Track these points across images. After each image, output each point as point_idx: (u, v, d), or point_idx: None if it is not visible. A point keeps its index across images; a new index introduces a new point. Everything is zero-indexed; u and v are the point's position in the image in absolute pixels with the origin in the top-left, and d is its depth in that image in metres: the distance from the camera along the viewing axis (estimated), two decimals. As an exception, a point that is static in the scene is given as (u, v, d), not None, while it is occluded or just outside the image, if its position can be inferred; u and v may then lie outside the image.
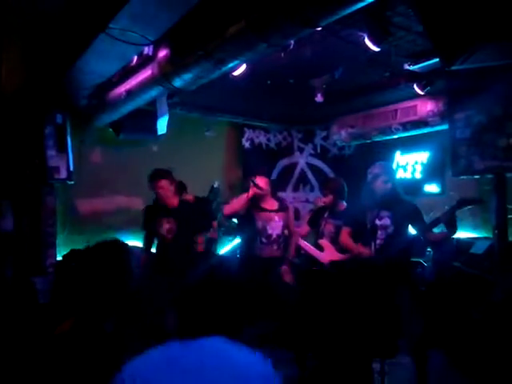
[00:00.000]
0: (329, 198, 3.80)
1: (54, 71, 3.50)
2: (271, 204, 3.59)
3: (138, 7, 2.29)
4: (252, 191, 3.48)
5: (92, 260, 1.35)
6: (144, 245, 3.70)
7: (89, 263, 1.35)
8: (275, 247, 3.52)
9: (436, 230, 3.07)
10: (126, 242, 1.48)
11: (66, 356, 1.23)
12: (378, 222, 3.12)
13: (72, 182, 4.20)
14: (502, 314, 3.00)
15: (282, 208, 3.61)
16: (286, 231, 3.63)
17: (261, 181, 3.53)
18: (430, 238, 3.08)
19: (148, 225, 3.54)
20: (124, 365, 1.08)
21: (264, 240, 3.49)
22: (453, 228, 2.96)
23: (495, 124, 3.52)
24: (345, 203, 3.87)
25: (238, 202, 3.56)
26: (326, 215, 3.82)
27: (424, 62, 3.40)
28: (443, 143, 4.72)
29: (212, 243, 4.59)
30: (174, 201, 3.47)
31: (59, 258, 4.09)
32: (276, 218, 3.53)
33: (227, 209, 3.61)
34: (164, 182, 3.38)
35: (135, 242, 4.82)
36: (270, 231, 3.50)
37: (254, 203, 3.54)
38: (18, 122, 3.84)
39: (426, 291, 4.02)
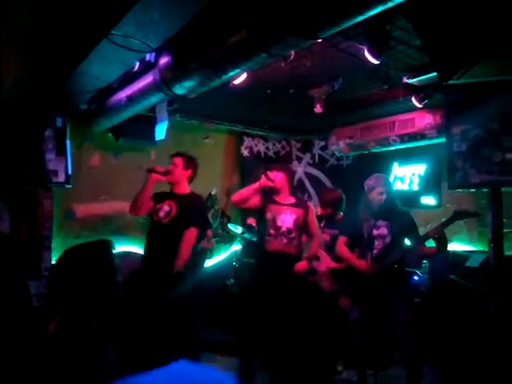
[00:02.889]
0: (328, 211, 3.83)
1: (56, 75, 3.52)
2: (286, 199, 3.29)
3: (141, 15, 2.32)
4: (262, 182, 3.23)
5: (79, 258, 1.37)
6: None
7: (76, 261, 1.36)
8: (285, 241, 3.16)
9: (429, 244, 3.10)
10: (113, 243, 1.48)
11: (53, 354, 1.23)
12: (375, 231, 3.14)
13: (70, 186, 4.19)
14: (497, 328, 3.01)
15: (299, 204, 3.29)
16: (299, 229, 3.25)
17: (275, 174, 3.27)
18: (422, 251, 3.11)
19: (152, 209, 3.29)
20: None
21: (272, 231, 3.16)
22: (441, 245, 3.00)
23: (492, 138, 3.55)
24: (342, 213, 3.89)
25: (247, 189, 3.29)
26: (322, 224, 3.83)
27: (422, 75, 3.44)
28: (440, 156, 4.76)
29: (204, 254, 4.57)
30: (184, 188, 3.30)
31: (54, 261, 4.08)
32: (288, 211, 3.20)
33: (236, 195, 3.34)
34: (179, 160, 3.26)
35: (131, 247, 4.82)
36: (279, 223, 3.17)
37: (268, 197, 3.29)
38: (18, 124, 3.86)
39: (421, 303, 4.02)
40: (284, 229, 3.17)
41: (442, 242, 3.00)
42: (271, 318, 3.18)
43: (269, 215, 3.21)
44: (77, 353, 1.25)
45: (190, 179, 3.35)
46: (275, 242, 3.17)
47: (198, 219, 3.28)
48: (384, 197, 3.11)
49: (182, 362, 1.08)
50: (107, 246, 1.43)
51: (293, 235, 3.19)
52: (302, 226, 3.25)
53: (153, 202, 3.28)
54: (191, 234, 3.17)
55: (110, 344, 1.34)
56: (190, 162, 3.35)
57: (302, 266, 3.20)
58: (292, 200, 3.31)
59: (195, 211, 3.27)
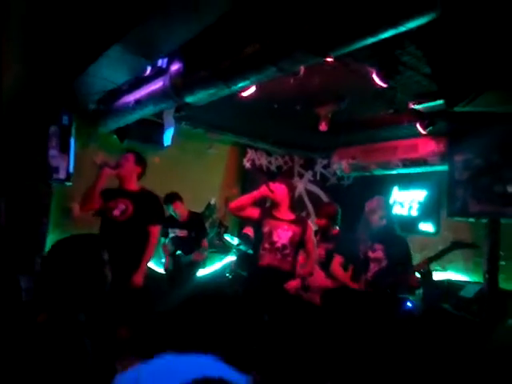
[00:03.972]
0: (323, 222, 3.79)
1: (65, 73, 3.56)
2: (285, 214, 3.24)
3: (154, 22, 2.36)
4: (262, 190, 3.22)
5: (71, 249, 1.37)
6: None
7: (68, 252, 1.36)
8: (278, 256, 3.12)
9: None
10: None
11: (40, 346, 1.22)
12: (371, 254, 3.14)
13: (70, 184, 4.19)
14: (493, 363, 2.97)
15: (297, 221, 3.25)
16: (294, 246, 3.20)
17: (277, 186, 3.24)
18: (409, 281, 3.10)
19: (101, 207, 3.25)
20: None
21: (267, 245, 3.13)
22: (425, 279, 3.01)
23: (493, 169, 3.58)
24: (337, 228, 3.86)
25: (247, 197, 3.27)
26: (317, 238, 3.80)
27: (429, 102, 3.48)
28: (441, 183, 4.78)
29: (195, 266, 4.56)
30: (133, 184, 3.30)
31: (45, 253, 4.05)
32: (285, 226, 3.17)
33: (234, 202, 3.33)
34: (130, 156, 3.30)
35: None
36: (275, 238, 3.14)
37: (267, 210, 3.28)
38: (23, 119, 3.88)
39: (412, 329, 3.98)
40: (279, 244, 3.13)
41: (427, 275, 3.01)
42: (258, 332, 3.15)
43: (266, 229, 3.18)
44: (58, 344, 1.24)
45: (139, 176, 3.35)
46: (268, 256, 3.13)
47: (160, 216, 3.37)
48: (384, 221, 3.12)
49: (209, 357, 1.10)
50: (98, 239, 1.44)
51: (287, 251, 3.14)
52: (298, 243, 3.21)
53: (102, 199, 3.24)
54: (155, 230, 3.26)
55: (89, 337, 1.33)
56: (141, 160, 3.36)
57: (293, 284, 3.13)
58: (291, 216, 3.26)
59: (156, 208, 3.31)
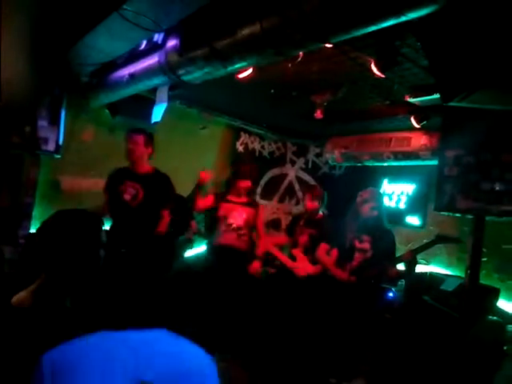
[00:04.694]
0: (315, 204, 3.80)
1: (61, 41, 3.47)
2: (239, 198, 3.56)
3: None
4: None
5: (70, 223, 1.31)
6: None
7: (66, 226, 1.30)
8: (234, 236, 3.43)
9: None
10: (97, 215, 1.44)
11: (22, 328, 1.19)
12: (357, 243, 3.17)
13: (59, 156, 4.13)
14: (465, 356, 3.05)
15: (250, 204, 3.57)
16: (249, 227, 3.53)
17: (204, 174, 3.55)
18: (391, 272, 3.14)
19: (110, 188, 3.17)
20: (44, 354, 0.97)
21: (224, 227, 3.44)
22: (410, 268, 3.07)
23: (483, 167, 3.62)
24: (321, 213, 3.89)
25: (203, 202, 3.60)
26: (301, 223, 3.82)
27: (424, 96, 3.48)
28: (430, 178, 4.82)
29: (186, 245, 4.55)
30: (144, 166, 3.17)
31: (33, 230, 4.01)
32: (239, 209, 3.48)
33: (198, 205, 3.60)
34: (140, 138, 3.12)
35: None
36: (230, 220, 3.45)
37: (222, 196, 3.57)
38: (13, 87, 3.78)
39: (392, 319, 4.06)
40: (234, 225, 3.41)
41: (411, 266, 3.06)
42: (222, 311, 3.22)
43: (221, 212, 3.47)
44: (45, 326, 1.21)
45: (150, 157, 3.22)
46: (225, 236, 3.42)
47: (170, 199, 3.28)
48: (376, 213, 3.15)
49: (161, 331, 1.06)
50: (100, 220, 1.39)
51: (242, 232, 3.43)
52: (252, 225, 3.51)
53: (111, 181, 3.17)
54: (167, 214, 3.24)
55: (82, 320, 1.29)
56: (151, 140, 3.22)
57: (255, 266, 3.38)
58: (244, 200, 3.54)
59: (167, 192, 3.21)
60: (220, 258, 3.38)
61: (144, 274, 2.94)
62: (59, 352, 0.98)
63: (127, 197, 3.06)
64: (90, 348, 0.99)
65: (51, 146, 3.92)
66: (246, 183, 3.45)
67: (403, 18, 1.85)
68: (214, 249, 3.47)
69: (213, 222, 3.54)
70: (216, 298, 3.17)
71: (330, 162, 5.77)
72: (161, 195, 3.14)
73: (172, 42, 2.98)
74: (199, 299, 1.23)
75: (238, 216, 3.42)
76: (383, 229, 3.24)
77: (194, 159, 5.19)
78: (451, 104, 2.10)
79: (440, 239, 3.11)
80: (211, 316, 3.17)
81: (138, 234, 3.03)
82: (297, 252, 3.80)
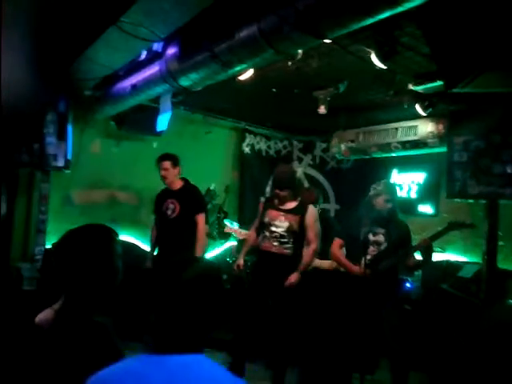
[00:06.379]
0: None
1: (63, 58, 3.51)
2: (286, 204, 3.36)
3: (151, 3, 2.32)
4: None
5: (83, 240, 1.31)
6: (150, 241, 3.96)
7: (80, 243, 1.31)
8: (275, 243, 3.28)
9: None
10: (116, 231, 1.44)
11: (48, 348, 1.19)
12: (371, 237, 3.15)
13: (69, 171, 4.19)
14: (489, 341, 3.01)
15: (296, 210, 3.33)
16: (295, 234, 3.30)
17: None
18: (409, 262, 3.11)
19: (156, 208, 3.83)
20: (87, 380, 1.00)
21: (267, 233, 3.32)
22: (427, 256, 3.03)
23: (492, 151, 3.57)
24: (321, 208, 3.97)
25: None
26: None
27: (428, 83, 3.44)
28: (440, 165, 4.77)
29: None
30: (177, 184, 3.75)
31: (48, 245, 4.07)
32: (283, 218, 3.31)
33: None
34: (167, 164, 3.68)
35: (127, 236, 4.82)
36: (273, 228, 3.32)
37: (270, 202, 3.43)
38: (20, 106, 3.84)
39: (412, 310, 4.03)
40: (276, 233, 3.31)
41: (428, 252, 3.03)
42: (268, 317, 3.21)
43: (266, 220, 3.36)
44: (72, 346, 1.20)
45: (180, 173, 3.80)
46: (266, 242, 3.33)
47: (201, 205, 3.77)
48: (390, 205, 3.12)
49: (199, 357, 1.05)
50: (112, 231, 1.39)
51: (285, 239, 3.29)
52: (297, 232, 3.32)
53: (156, 202, 3.84)
54: (201, 218, 3.67)
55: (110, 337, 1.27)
56: (176, 160, 3.75)
57: (293, 278, 3.19)
58: (292, 206, 3.35)
59: (196, 200, 3.76)
60: (260, 263, 3.42)
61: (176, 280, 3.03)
62: (96, 378, 1.01)
63: (168, 212, 3.70)
64: (127, 373, 1.01)
65: (60, 162, 3.98)
66: (282, 192, 3.32)
67: (399, 9, 1.84)
68: (257, 253, 3.49)
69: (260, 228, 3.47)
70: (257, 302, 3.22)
71: (337, 156, 5.73)
72: (192, 204, 3.71)
73: (171, 50, 3.01)
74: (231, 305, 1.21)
75: (279, 224, 3.31)
76: (397, 220, 3.22)
77: (201, 164, 5.21)
78: (455, 91, 2.07)
79: (452, 226, 3.07)
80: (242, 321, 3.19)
81: (177, 241, 3.57)
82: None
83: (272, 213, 3.35)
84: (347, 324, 3.16)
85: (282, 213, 3.31)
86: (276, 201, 3.38)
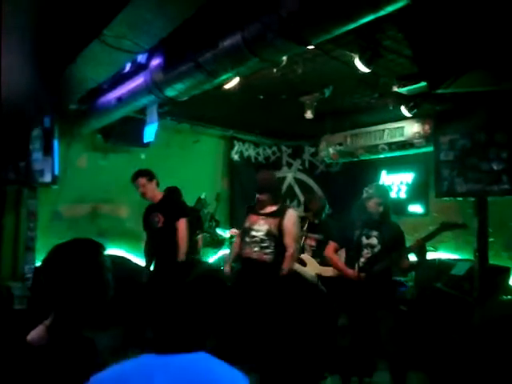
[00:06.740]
0: (309, 215, 3.93)
1: (45, 74, 3.48)
2: (266, 209, 3.34)
3: (133, 15, 2.31)
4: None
5: (71, 256, 1.30)
6: (145, 256, 3.96)
7: (67, 259, 1.29)
8: (256, 248, 3.26)
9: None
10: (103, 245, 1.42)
11: (39, 365, 1.18)
12: (365, 240, 3.15)
13: (56, 187, 4.13)
14: (481, 337, 3.03)
15: (275, 213, 3.31)
16: (275, 238, 3.26)
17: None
18: (403, 264, 3.12)
19: (144, 223, 3.87)
20: (90, 378, 1.02)
21: (247, 239, 3.31)
22: (421, 257, 3.05)
23: (479, 149, 3.62)
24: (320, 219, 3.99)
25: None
26: (304, 228, 3.87)
27: (412, 84, 3.48)
28: (428, 165, 4.82)
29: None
30: (158, 196, 3.79)
31: (38, 263, 4.00)
32: (262, 221, 3.30)
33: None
34: (142, 180, 3.70)
35: (117, 250, 4.77)
36: (253, 232, 3.30)
37: (252, 208, 3.43)
38: (4, 124, 3.80)
39: (407, 311, 4.04)
40: (257, 238, 3.27)
41: (422, 253, 3.04)
42: (252, 322, 3.17)
43: (246, 224, 3.36)
44: (65, 362, 1.19)
45: (157, 185, 3.83)
46: (247, 248, 3.30)
47: (180, 211, 3.77)
48: (381, 208, 3.13)
49: (201, 355, 1.07)
50: (99, 245, 1.37)
51: (265, 244, 3.25)
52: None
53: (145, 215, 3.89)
54: (181, 224, 3.67)
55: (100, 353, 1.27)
56: (151, 174, 3.76)
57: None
58: (271, 210, 3.33)
59: (175, 208, 3.80)
60: (244, 270, 3.38)
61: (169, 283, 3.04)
62: (99, 377, 1.01)
63: (154, 225, 3.76)
64: (130, 373, 1.02)
65: (47, 178, 3.93)
66: (261, 196, 3.31)
67: (381, 13, 1.86)
68: (241, 260, 3.45)
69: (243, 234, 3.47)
70: (237, 309, 3.18)
71: (326, 160, 5.76)
72: (172, 212, 3.73)
73: (156, 61, 3.00)
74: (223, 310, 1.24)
75: (259, 228, 3.28)
76: (389, 223, 3.23)
77: (191, 173, 5.20)
78: (439, 91, 2.10)
79: (445, 226, 3.08)
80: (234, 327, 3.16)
81: (164, 249, 3.66)
82: (305, 256, 3.82)
83: (252, 217, 3.36)
84: (345, 327, 3.15)
85: (261, 217, 3.31)
86: (257, 206, 3.39)
